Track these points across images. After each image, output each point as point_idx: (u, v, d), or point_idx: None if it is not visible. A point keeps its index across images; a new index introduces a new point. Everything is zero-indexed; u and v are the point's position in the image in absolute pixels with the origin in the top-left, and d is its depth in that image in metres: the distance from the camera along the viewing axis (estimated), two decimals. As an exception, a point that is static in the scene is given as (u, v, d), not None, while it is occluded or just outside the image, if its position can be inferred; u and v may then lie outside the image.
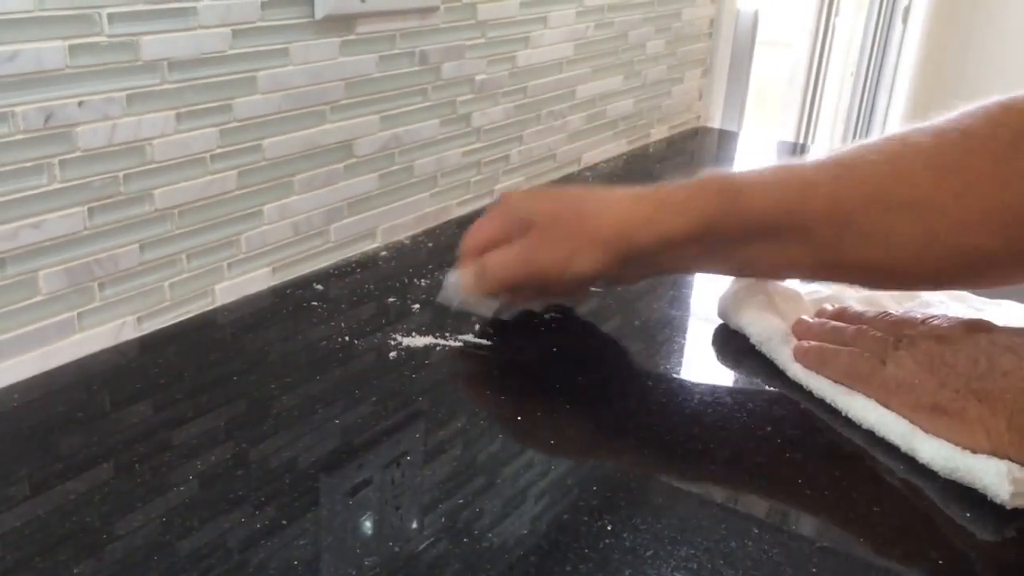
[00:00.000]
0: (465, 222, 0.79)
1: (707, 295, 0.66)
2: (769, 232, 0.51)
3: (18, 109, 0.47)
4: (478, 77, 0.77)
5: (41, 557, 0.38)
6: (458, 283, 0.57)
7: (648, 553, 0.39)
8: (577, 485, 0.44)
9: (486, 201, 0.83)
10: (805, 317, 0.56)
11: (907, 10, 2.25)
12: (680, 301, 0.65)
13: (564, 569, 0.38)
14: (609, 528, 0.40)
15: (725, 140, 1.16)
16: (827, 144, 2.36)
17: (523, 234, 0.55)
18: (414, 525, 0.41)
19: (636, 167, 0.99)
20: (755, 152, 1.14)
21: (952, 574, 0.39)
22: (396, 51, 0.68)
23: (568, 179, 0.93)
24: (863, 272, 0.52)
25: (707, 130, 1.18)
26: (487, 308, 0.58)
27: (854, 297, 0.60)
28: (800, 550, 0.40)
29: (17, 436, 0.46)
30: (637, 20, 0.98)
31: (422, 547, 0.39)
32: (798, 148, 1.40)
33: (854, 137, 2.35)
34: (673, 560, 0.39)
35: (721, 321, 0.60)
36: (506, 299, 0.58)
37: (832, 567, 0.39)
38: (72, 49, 0.48)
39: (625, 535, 0.40)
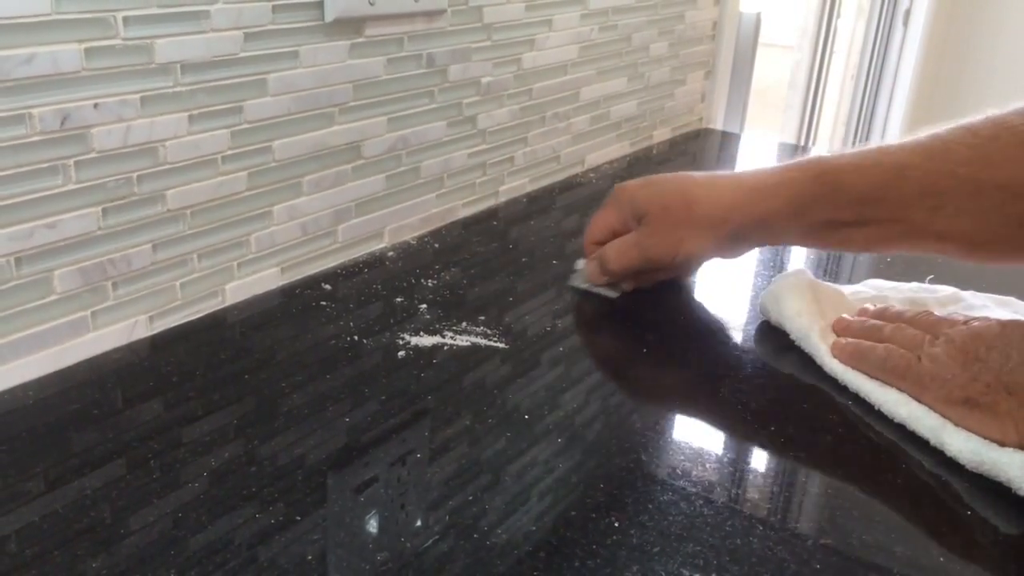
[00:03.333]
0: (471, 223, 0.80)
1: (710, 295, 0.67)
2: (864, 212, 0.54)
3: (35, 111, 0.48)
4: (484, 79, 0.78)
5: (59, 551, 0.38)
6: (584, 272, 0.66)
7: (655, 550, 0.40)
8: (583, 483, 0.45)
9: (491, 202, 0.84)
10: (846, 315, 0.58)
11: (908, 13, 2.26)
12: (686, 299, 0.66)
13: (572, 565, 0.39)
14: (616, 525, 0.41)
15: (727, 142, 1.17)
16: (827, 146, 2.37)
17: (637, 224, 0.62)
18: (424, 521, 0.42)
19: (639, 169, 1.00)
20: (757, 154, 1.15)
21: (973, 568, 0.40)
22: (404, 54, 0.69)
23: (572, 181, 0.93)
24: (954, 247, 0.54)
25: (709, 132, 1.19)
26: (612, 291, 0.65)
27: (897, 298, 0.61)
28: (804, 546, 0.41)
29: (33, 433, 0.46)
30: (641, 23, 0.98)
31: (432, 542, 0.40)
32: (799, 150, 1.41)
33: (855, 139, 2.36)
34: (679, 556, 0.39)
35: (763, 317, 0.62)
36: (628, 282, 0.65)
37: (835, 564, 0.40)
38: (88, 52, 0.49)
39: (632, 532, 0.41)
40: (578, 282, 0.67)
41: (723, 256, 0.64)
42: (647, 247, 0.61)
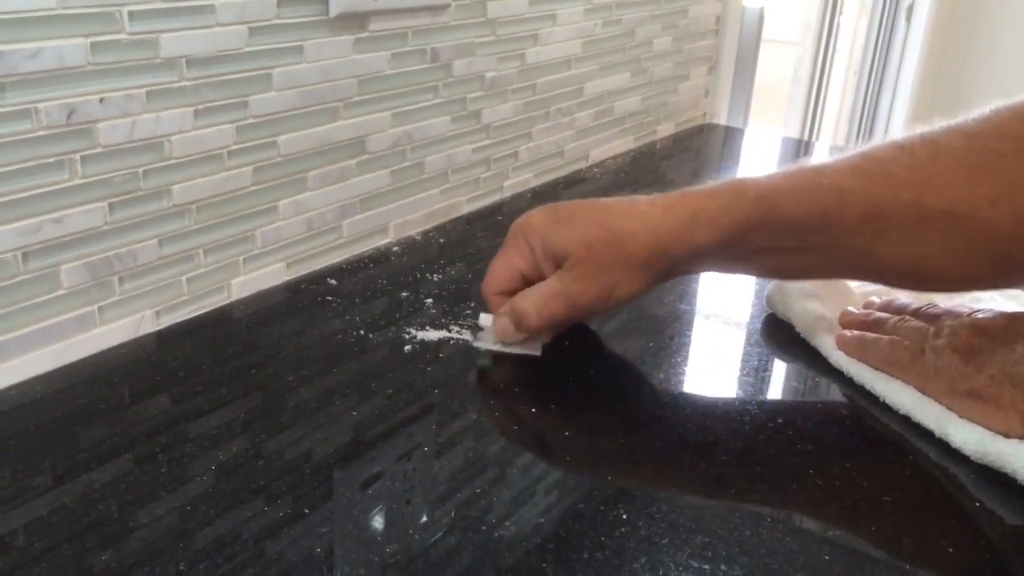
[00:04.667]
0: (475, 218, 0.80)
1: (713, 292, 0.67)
2: (803, 239, 0.50)
3: (41, 105, 0.48)
4: (488, 74, 0.78)
5: (68, 544, 0.38)
6: (493, 330, 0.55)
7: (664, 541, 0.40)
8: (591, 475, 0.45)
9: (495, 198, 0.84)
10: (851, 308, 0.57)
11: (911, 8, 2.26)
12: (690, 296, 0.66)
13: (581, 557, 0.39)
14: (624, 517, 0.41)
15: (731, 137, 1.17)
16: (831, 141, 2.36)
17: (554, 267, 0.54)
18: (432, 515, 0.42)
19: (643, 164, 1.00)
20: (760, 149, 1.14)
21: (979, 559, 0.40)
22: (408, 48, 0.69)
23: (576, 176, 0.93)
24: (895, 276, 0.52)
25: (713, 127, 1.19)
26: (532, 348, 0.55)
27: (903, 291, 0.61)
28: (813, 537, 0.41)
29: (40, 427, 0.46)
30: (644, 17, 0.98)
31: (440, 535, 0.40)
32: (803, 145, 1.41)
33: (858, 134, 2.35)
34: (688, 548, 0.39)
35: (769, 311, 0.62)
36: (547, 334, 0.56)
37: (843, 555, 0.40)
38: (93, 46, 0.49)
39: (640, 524, 0.41)
40: (486, 343, 0.56)
41: (648, 291, 0.56)
42: (574, 296, 0.53)
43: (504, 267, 0.56)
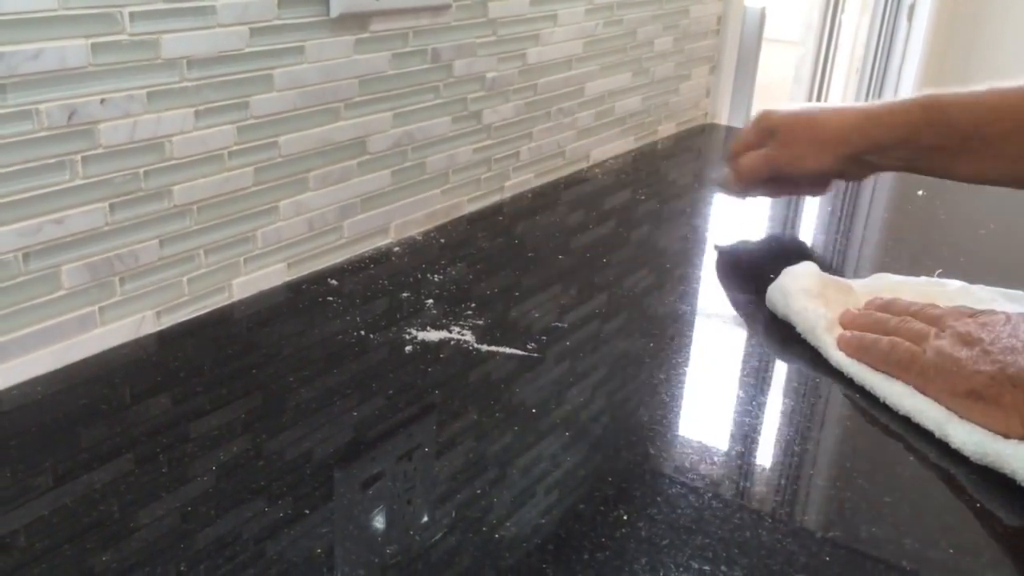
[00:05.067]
0: (476, 218, 0.80)
1: (713, 292, 0.67)
2: (966, 145, 0.62)
3: (42, 106, 0.48)
4: (489, 75, 0.78)
5: (69, 545, 0.38)
6: (723, 177, 0.77)
7: (664, 542, 0.40)
8: (591, 476, 0.45)
9: (496, 198, 0.84)
10: (852, 308, 0.58)
11: (912, 8, 2.25)
12: (690, 296, 0.66)
13: (581, 558, 0.39)
14: (625, 518, 0.41)
15: (732, 137, 1.17)
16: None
17: (770, 141, 0.71)
18: (432, 515, 0.42)
19: (644, 164, 1.00)
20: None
21: (978, 559, 0.40)
22: (408, 49, 0.69)
23: (577, 176, 0.93)
24: None
25: (714, 127, 1.19)
26: (742, 195, 0.79)
27: (906, 292, 0.61)
28: (813, 538, 0.41)
29: (41, 428, 0.47)
30: (645, 17, 0.98)
31: (440, 535, 0.40)
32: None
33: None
34: (688, 549, 0.39)
35: (770, 310, 0.62)
36: (761, 189, 0.77)
37: (844, 556, 0.40)
38: (95, 47, 0.49)
39: (641, 525, 0.41)
40: (718, 187, 0.84)
41: (844, 176, 0.73)
42: (773, 159, 0.70)
43: (742, 137, 0.75)
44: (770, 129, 0.71)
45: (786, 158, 0.70)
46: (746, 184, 0.74)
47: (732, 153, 0.75)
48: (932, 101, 0.64)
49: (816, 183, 0.77)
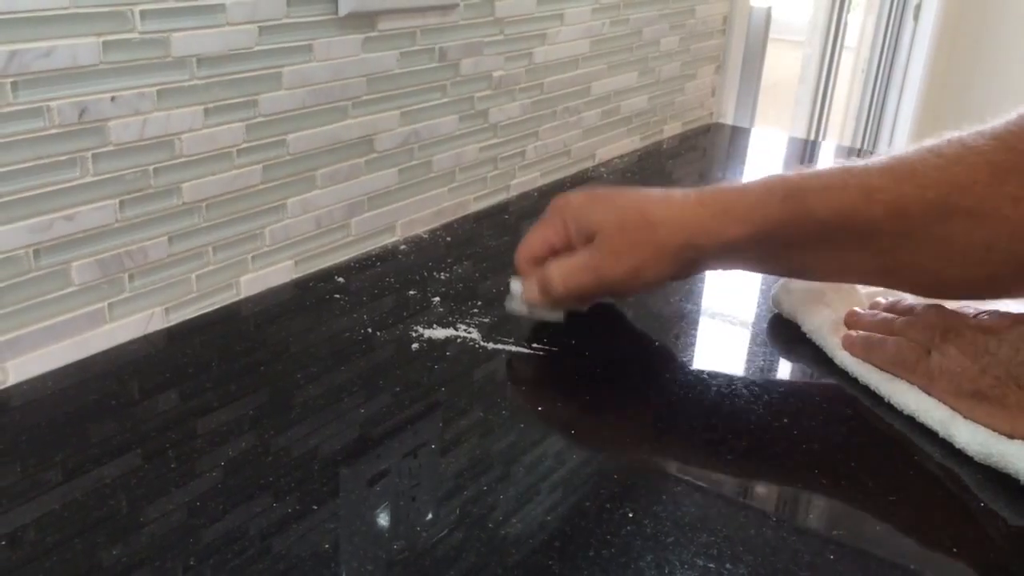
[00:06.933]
0: (482, 217, 0.80)
1: (719, 292, 0.67)
2: (830, 237, 0.51)
3: (53, 104, 0.48)
4: (496, 74, 0.78)
5: (78, 539, 0.39)
6: (521, 293, 0.58)
7: (669, 540, 0.40)
8: (597, 474, 0.45)
9: (502, 196, 0.84)
10: (857, 309, 0.58)
11: (918, 7, 2.25)
12: (695, 296, 0.66)
13: (587, 554, 0.39)
14: (630, 515, 0.41)
15: (737, 136, 1.17)
16: (838, 140, 2.36)
17: (585, 242, 0.55)
18: (438, 512, 0.42)
19: (649, 163, 1.00)
20: (767, 148, 1.14)
21: (983, 559, 0.40)
22: (416, 48, 0.69)
23: (583, 175, 0.94)
24: (919, 279, 0.52)
25: (720, 126, 1.19)
26: (555, 315, 0.59)
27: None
28: (818, 537, 0.41)
29: (51, 423, 0.47)
30: (652, 17, 0.99)
31: (446, 532, 0.40)
32: (809, 145, 1.41)
33: (865, 134, 2.35)
34: (693, 546, 0.40)
35: (775, 310, 0.62)
36: (571, 305, 0.59)
37: (848, 554, 0.40)
38: (105, 45, 0.49)
39: (646, 522, 0.41)
40: (515, 306, 0.59)
41: (675, 279, 0.58)
42: (602, 271, 0.54)
43: (538, 238, 0.58)
44: (583, 227, 0.55)
45: (618, 268, 0.54)
46: (558, 300, 0.57)
47: (530, 257, 0.58)
48: (788, 189, 0.51)
49: (638, 292, 0.62)
